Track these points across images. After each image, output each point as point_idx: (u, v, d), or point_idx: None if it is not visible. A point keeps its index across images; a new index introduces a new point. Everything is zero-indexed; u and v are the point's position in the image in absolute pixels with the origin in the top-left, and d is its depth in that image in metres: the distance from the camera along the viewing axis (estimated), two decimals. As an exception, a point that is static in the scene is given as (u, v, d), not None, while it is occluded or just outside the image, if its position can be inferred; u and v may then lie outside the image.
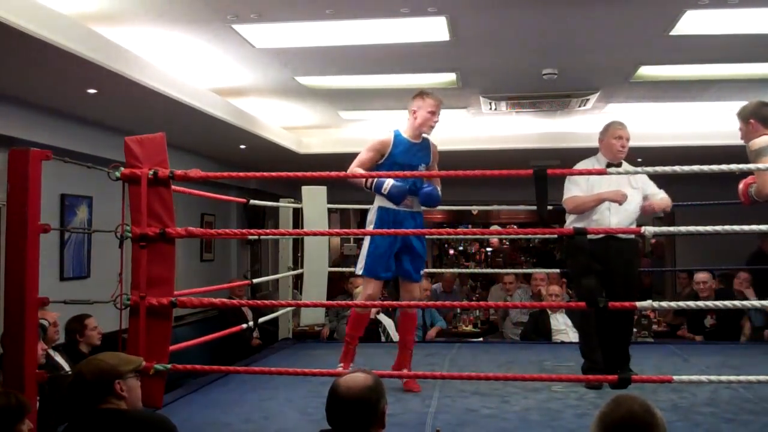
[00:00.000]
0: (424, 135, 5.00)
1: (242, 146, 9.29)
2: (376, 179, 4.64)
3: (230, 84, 7.26)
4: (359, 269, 4.90)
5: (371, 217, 4.90)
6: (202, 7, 5.15)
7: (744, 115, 4.49)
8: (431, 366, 5.52)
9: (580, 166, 5.11)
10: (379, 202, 4.85)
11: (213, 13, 5.25)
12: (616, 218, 4.92)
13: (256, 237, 7.55)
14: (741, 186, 4.40)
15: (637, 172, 4.73)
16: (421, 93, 4.95)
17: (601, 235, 4.79)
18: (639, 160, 9.60)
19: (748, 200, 4.36)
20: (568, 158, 10.25)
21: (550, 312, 7.24)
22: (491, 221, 17.47)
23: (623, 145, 5.07)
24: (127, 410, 2.94)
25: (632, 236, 4.97)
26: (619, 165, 5.04)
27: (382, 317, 7.41)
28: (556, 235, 5.42)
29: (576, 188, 5.03)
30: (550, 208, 4.36)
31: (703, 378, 4.07)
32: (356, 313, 5.00)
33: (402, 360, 4.97)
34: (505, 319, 8.02)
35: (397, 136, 4.90)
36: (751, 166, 4.15)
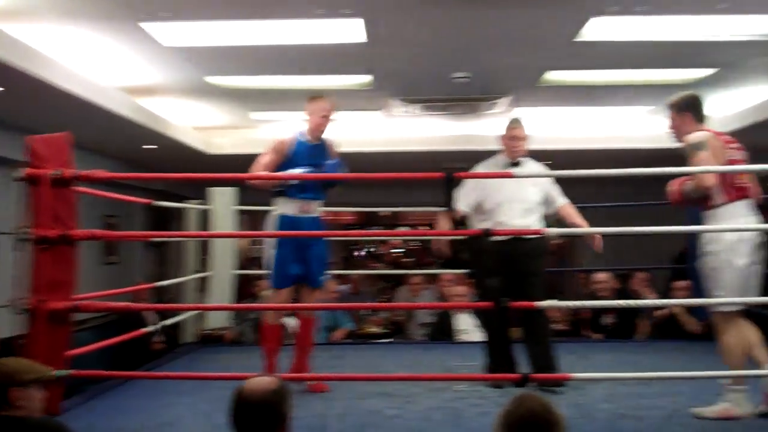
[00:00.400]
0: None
1: (149, 146, 9.12)
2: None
3: (138, 83, 7.12)
4: (269, 281, 4.83)
5: (272, 227, 4.79)
6: (110, 5, 5.04)
7: (679, 107, 4.43)
8: (337, 368, 5.52)
9: (482, 166, 5.13)
10: (280, 209, 4.76)
11: (121, 11, 5.16)
12: (520, 219, 4.90)
13: (160, 239, 7.41)
14: (674, 186, 4.29)
15: (540, 176, 4.78)
16: (315, 96, 4.90)
17: (505, 237, 4.78)
18: (549, 162, 9.76)
19: (681, 199, 4.24)
20: (478, 161, 10.43)
21: (455, 312, 7.31)
22: (401, 222, 17.57)
23: (516, 144, 5.02)
24: (23, 417, 2.86)
25: (538, 236, 5.02)
26: (518, 164, 5.02)
27: (287, 320, 7.36)
28: (462, 237, 5.45)
29: (462, 197, 5.04)
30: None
31: (601, 375, 4.18)
32: (267, 324, 4.87)
33: (300, 364, 4.86)
34: (411, 320, 8.07)
35: (298, 137, 4.83)
36: (657, 170, 4.17)
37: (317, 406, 4.47)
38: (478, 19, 5.49)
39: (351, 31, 5.65)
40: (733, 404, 4.03)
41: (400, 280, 10.89)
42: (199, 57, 6.44)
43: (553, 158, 9.81)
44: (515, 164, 5.02)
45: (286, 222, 4.72)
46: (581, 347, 6.51)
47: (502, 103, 8.23)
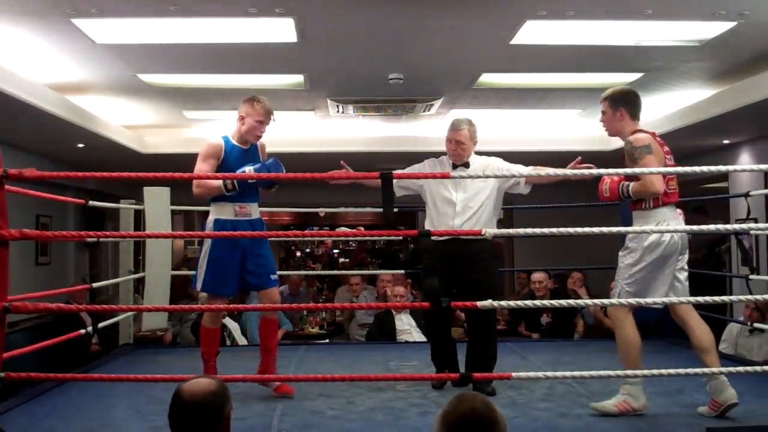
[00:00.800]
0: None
1: (81, 145, 8.95)
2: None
3: (69, 80, 6.98)
4: (198, 285, 4.68)
5: (207, 231, 4.67)
6: (41, 0, 4.94)
7: (614, 101, 4.48)
8: (278, 369, 5.49)
9: (428, 166, 5.17)
10: (214, 214, 4.64)
11: (51, 6, 5.04)
12: (460, 219, 4.89)
13: (95, 239, 7.28)
14: (609, 183, 4.33)
15: (464, 177, 4.78)
16: (252, 98, 4.73)
17: (445, 237, 4.79)
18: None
19: (617, 197, 4.27)
20: (414, 161, 10.46)
21: (395, 312, 7.35)
22: (338, 223, 17.58)
23: (453, 147, 5.00)
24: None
25: (479, 238, 4.97)
26: (465, 165, 5.00)
27: (228, 321, 7.31)
28: (401, 237, 5.47)
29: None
30: (395, 210, 4.43)
31: (540, 375, 4.25)
32: (206, 328, 4.78)
33: (266, 366, 4.76)
34: (351, 320, 8.09)
35: (227, 142, 4.68)
36: (583, 170, 4.28)
37: (258, 407, 4.45)
38: (413, 20, 5.52)
39: (282, 30, 5.63)
40: (629, 397, 4.14)
41: (338, 281, 10.90)
42: (132, 55, 6.35)
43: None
44: (462, 165, 5.01)
45: (223, 227, 4.61)
46: (519, 346, 6.61)
47: (437, 104, 8.29)
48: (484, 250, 4.90)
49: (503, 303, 4.39)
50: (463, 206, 4.92)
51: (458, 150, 4.99)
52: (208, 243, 4.66)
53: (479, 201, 4.94)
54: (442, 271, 4.67)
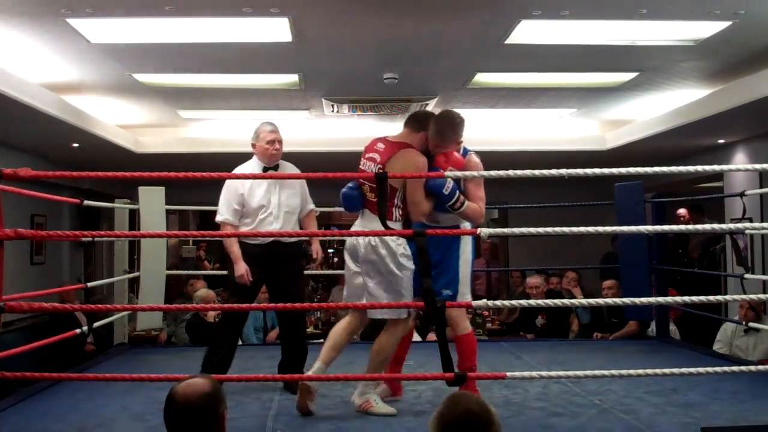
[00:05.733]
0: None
1: (75, 144, 8.94)
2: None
3: (64, 79, 6.96)
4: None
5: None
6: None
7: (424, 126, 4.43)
8: (272, 368, 5.49)
9: (239, 170, 5.05)
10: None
11: (45, 6, 5.03)
12: (278, 223, 4.93)
13: (90, 239, 7.27)
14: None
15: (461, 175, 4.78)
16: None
17: (268, 240, 4.86)
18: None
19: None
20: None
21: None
22: (332, 222, 17.54)
23: (277, 147, 5.00)
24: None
25: (295, 240, 5.04)
26: (276, 167, 5.04)
27: None
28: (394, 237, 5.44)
29: (224, 206, 4.94)
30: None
31: (535, 374, 4.26)
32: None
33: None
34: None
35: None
36: (581, 171, 4.28)
37: (253, 407, 4.45)
38: (407, 19, 5.52)
39: (276, 30, 5.63)
40: (374, 401, 4.34)
41: (333, 280, 10.89)
42: (126, 54, 6.33)
43: (480, 159, 9.97)
44: (273, 168, 5.03)
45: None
46: (514, 346, 6.61)
47: (432, 104, 8.29)
48: (299, 251, 5.17)
49: (498, 303, 4.37)
50: (280, 210, 4.97)
51: (279, 150, 5.04)
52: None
53: (293, 205, 5.05)
54: (262, 271, 4.89)
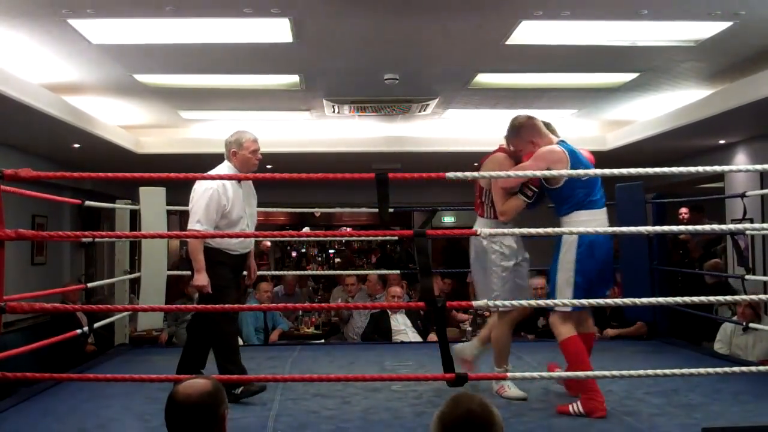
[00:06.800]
0: None
1: (76, 145, 8.95)
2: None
3: (64, 80, 6.97)
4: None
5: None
6: (35, 0, 4.93)
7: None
8: (273, 369, 5.51)
9: (216, 173, 4.86)
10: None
11: (46, 7, 5.04)
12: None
13: (90, 240, 7.27)
14: None
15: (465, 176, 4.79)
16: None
17: (247, 250, 4.90)
18: (476, 164, 9.90)
19: None
20: (409, 162, 10.48)
21: (390, 312, 7.36)
22: (334, 223, 17.57)
23: (259, 158, 4.89)
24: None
25: None
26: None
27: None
28: (396, 237, 5.45)
29: (204, 216, 4.68)
30: (391, 210, 4.42)
31: (536, 374, 4.25)
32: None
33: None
34: (348, 320, 8.08)
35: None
36: (580, 172, 4.29)
37: (254, 407, 4.45)
38: (408, 20, 5.52)
39: (277, 30, 5.63)
40: (507, 386, 4.62)
41: (333, 281, 10.89)
42: (127, 55, 6.34)
43: (478, 160, 9.98)
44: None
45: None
46: (515, 347, 6.60)
47: (433, 104, 8.29)
48: None
49: (498, 303, 4.37)
50: (252, 219, 4.96)
51: (258, 161, 4.94)
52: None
53: (254, 214, 5.01)
54: (236, 279, 4.94)
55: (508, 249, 4.52)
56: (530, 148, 4.46)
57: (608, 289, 4.73)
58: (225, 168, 4.88)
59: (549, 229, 4.12)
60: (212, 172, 4.83)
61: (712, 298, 4.11)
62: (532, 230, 4.08)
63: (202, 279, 4.63)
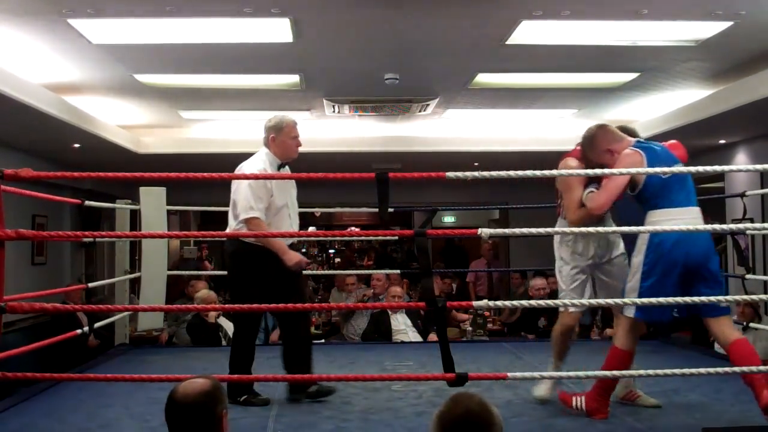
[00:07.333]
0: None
1: (77, 145, 8.94)
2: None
3: (65, 80, 6.97)
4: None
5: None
6: (35, 0, 4.93)
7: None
8: (273, 369, 5.49)
9: (250, 165, 4.64)
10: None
11: (46, 6, 5.04)
12: (295, 223, 4.79)
13: (91, 239, 7.27)
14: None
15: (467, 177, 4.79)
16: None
17: (292, 240, 4.77)
18: (476, 164, 9.94)
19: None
20: (410, 162, 10.47)
21: (390, 312, 7.35)
22: (334, 223, 17.56)
23: (299, 144, 4.71)
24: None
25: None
26: (287, 164, 4.76)
27: (223, 321, 7.30)
28: (396, 237, 5.44)
29: (255, 203, 4.48)
30: (391, 210, 4.42)
31: (536, 374, 4.25)
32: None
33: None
34: (347, 320, 8.08)
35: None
36: (581, 172, 4.28)
37: (254, 408, 4.45)
38: (408, 20, 5.52)
39: (277, 30, 5.63)
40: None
41: (333, 281, 10.89)
42: (128, 55, 6.34)
43: (479, 160, 9.98)
44: (284, 165, 4.74)
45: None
46: (515, 346, 6.61)
47: (433, 104, 8.29)
48: None
49: (499, 303, 4.38)
50: (295, 210, 4.81)
51: (299, 147, 4.75)
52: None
53: (296, 203, 4.85)
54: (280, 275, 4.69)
55: (581, 247, 4.40)
56: (608, 156, 4.28)
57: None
58: (263, 155, 4.66)
59: (550, 229, 4.12)
60: (249, 161, 4.66)
61: (712, 298, 4.10)
62: (542, 230, 4.08)
63: (292, 256, 4.49)
